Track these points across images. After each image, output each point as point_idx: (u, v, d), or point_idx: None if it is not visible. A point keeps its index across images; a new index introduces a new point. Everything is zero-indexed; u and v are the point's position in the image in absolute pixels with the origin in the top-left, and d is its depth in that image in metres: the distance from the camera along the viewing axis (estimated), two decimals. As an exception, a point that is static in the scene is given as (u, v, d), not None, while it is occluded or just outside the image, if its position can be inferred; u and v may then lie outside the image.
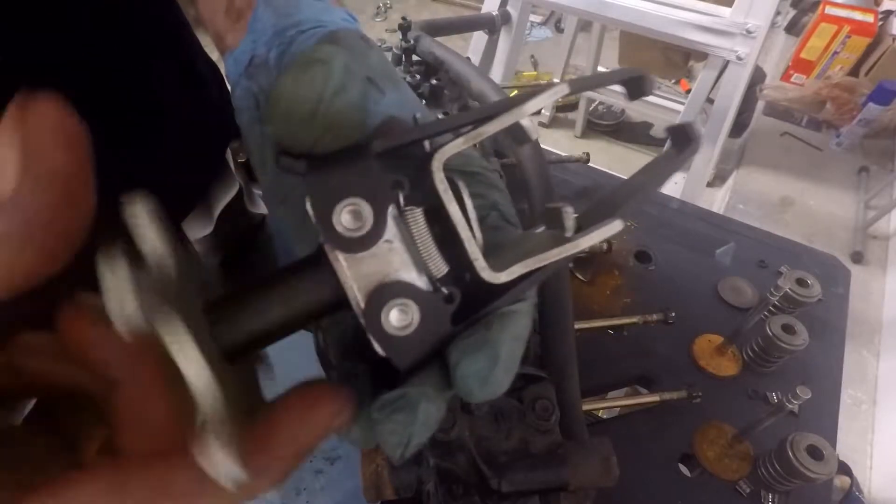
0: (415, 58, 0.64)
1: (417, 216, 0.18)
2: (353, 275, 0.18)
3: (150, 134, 0.48)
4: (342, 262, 0.17)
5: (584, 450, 0.38)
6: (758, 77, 2.12)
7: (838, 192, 2.01)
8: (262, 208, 0.69)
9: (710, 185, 2.06)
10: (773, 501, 0.53)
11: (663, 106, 2.19)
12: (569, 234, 0.18)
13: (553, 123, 2.74)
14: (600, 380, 0.62)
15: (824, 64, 2.21)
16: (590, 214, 0.20)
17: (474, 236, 0.18)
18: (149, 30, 0.46)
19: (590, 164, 0.80)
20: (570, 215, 0.19)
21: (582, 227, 0.19)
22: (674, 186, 2.00)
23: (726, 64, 1.23)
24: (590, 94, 2.39)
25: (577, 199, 0.81)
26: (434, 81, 0.63)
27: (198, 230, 0.61)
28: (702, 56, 1.55)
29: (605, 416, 0.62)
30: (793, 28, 2.62)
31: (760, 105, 2.24)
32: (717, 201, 2.07)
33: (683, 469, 0.56)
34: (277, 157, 0.19)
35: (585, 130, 2.68)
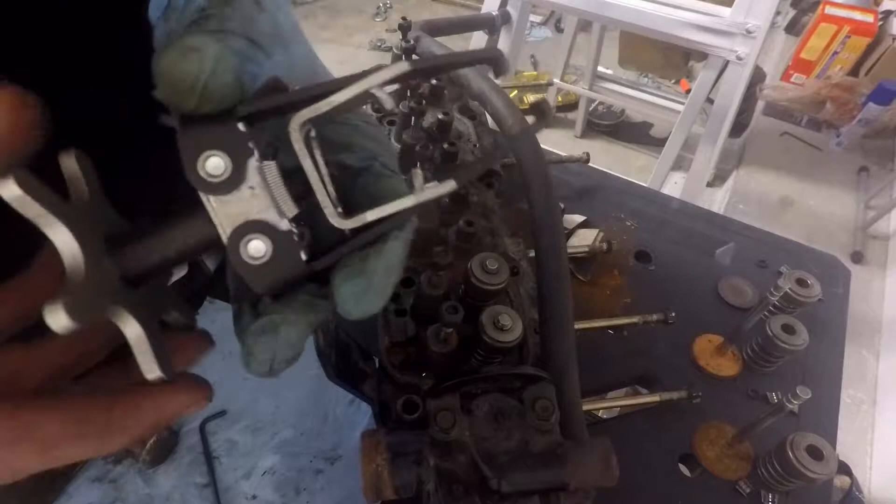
0: (415, 58, 0.64)
1: (272, 167, 0.22)
2: (220, 214, 0.21)
3: (156, 129, 0.49)
4: (211, 204, 0.21)
5: (584, 450, 0.38)
6: (758, 77, 2.12)
7: (838, 192, 2.01)
8: None
9: (710, 185, 2.06)
10: (773, 501, 0.53)
11: (663, 106, 2.19)
12: (416, 191, 0.22)
13: (553, 123, 2.74)
14: (600, 380, 0.62)
15: (824, 64, 2.21)
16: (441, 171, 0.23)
17: (325, 188, 0.22)
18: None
19: (590, 164, 0.80)
20: (419, 175, 0.23)
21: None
22: (674, 186, 2.00)
23: (726, 64, 1.23)
24: (590, 93, 2.39)
25: (577, 199, 0.81)
26: (434, 81, 0.63)
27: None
28: (702, 56, 1.55)
29: (605, 416, 0.62)
30: (793, 28, 2.62)
31: (760, 105, 2.24)
32: (717, 201, 2.07)
33: (683, 469, 0.56)
34: (159, 114, 0.23)
35: (585, 130, 2.68)
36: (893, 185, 1.98)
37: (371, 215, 0.22)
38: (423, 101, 0.61)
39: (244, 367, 0.24)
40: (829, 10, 2.14)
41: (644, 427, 0.58)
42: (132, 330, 0.21)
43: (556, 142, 2.61)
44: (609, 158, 2.55)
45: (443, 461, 0.37)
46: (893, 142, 2.13)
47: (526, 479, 0.36)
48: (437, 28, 0.82)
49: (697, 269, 0.73)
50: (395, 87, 0.22)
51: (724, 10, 1.18)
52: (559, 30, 3.25)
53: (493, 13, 1.31)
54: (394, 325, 0.44)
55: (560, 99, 2.70)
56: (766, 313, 0.61)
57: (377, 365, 0.47)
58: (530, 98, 2.74)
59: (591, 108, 2.65)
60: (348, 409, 0.58)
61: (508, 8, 1.35)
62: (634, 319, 0.63)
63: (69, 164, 0.22)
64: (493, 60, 0.25)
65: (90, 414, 0.22)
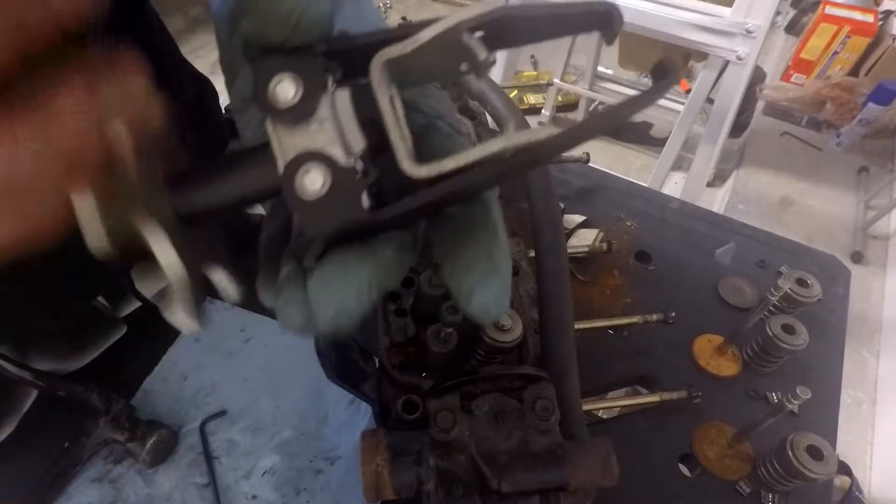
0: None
1: (344, 96, 0.20)
2: (283, 144, 0.19)
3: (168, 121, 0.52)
4: (277, 133, 0.19)
5: (584, 450, 0.38)
6: (758, 77, 2.12)
7: (838, 192, 2.01)
8: (258, 210, 0.70)
9: (710, 185, 2.06)
10: (773, 501, 0.53)
11: (663, 106, 2.19)
12: (506, 134, 0.19)
13: (553, 123, 2.74)
14: (600, 380, 0.62)
15: (824, 64, 2.21)
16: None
17: (400, 130, 0.19)
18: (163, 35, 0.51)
19: (590, 164, 0.80)
20: (511, 125, 0.19)
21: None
22: (674, 186, 2.00)
23: (726, 64, 1.23)
24: (590, 93, 2.39)
25: (577, 199, 0.81)
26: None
27: None
28: (702, 56, 1.55)
29: (605, 416, 0.62)
30: (793, 28, 2.62)
31: (760, 105, 2.24)
32: (717, 201, 2.07)
33: (683, 469, 0.56)
34: (244, 49, 0.21)
35: (585, 130, 2.68)
36: (893, 185, 1.98)
37: (450, 163, 0.19)
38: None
39: (288, 328, 0.20)
40: (829, 10, 2.14)
41: (644, 427, 0.58)
42: (177, 274, 0.19)
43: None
44: (609, 158, 2.55)
45: (443, 461, 0.37)
46: (893, 142, 2.13)
47: (526, 479, 0.36)
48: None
49: (697, 269, 0.73)
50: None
51: (724, 10, 1.18)
52: (559, 30, 3.25)
53: (493, 13, 1.31)
54: (394, 325, 0.44)
55: (560, 99, 2.70)
56: (766, 313, 0.61)
57: (377, 365, 0.47)
58: (530, 98, 2.74)
59: (591, 108, 2.65)
60: (348, 409, 0.58)
61: (508, 8, 1.35)
62: (634, 319, 0.63)
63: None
64: (604, 16, 0.20)
65: None
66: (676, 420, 0.58)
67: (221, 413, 0.58)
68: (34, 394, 0.55)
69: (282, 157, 0.19)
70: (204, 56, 2.59)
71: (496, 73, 1.41)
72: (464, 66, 0.20)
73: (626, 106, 0.18)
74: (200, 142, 0.58)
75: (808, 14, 2.51)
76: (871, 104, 1.98)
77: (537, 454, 0.38)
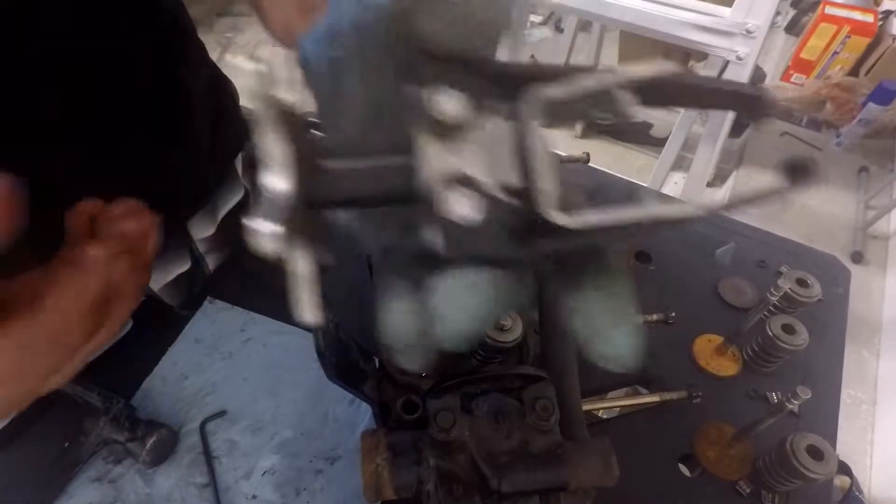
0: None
1: (506, 127, 0.20)
2: (436, 159, 0.19)
3: (181, 129, 0.53)
4: (429, 144, 0.19)
5: (584, 450, 0.38)
6: (758, 77, 2.12)
7: (838, 192, 2.01)
8: None
9: (710, 185, 2.06)
10: (773, 501, 0.53)
11: (663, 106, 2.19)
12: (659, 202, 0.19)
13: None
14: (600, 380, 0.62)
15: (824, 64, 2.21)
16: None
17: (548, 174, 0.19)
18: (182, 38, 0.53)
19: (590, 164, 0.80)
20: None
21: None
22: (674, 186, 2.00)
23: (726, 64, 1.23)
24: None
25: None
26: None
27: (201, 230, 0.62)
28: (702, 56, 1.55)
29: (605, 416, 0.62)
30: (793, 28, 2.62)
31: (760, 105, 2.24)
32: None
33: (683, 469, 0.56)
34: (418, 55, 0.21)
35: (585, 130, 2.68)
36: (893, 185, 1.98)
37: (596, 218, 0.19)
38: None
39: (393, 340, 0.21)
40: (829, 10, 2.14)
41: (644, 427, 0.58)
42: (306, 266, 0.19)
43: (556, 142, 2.60)
44: (609, 158, 2.55)
45: (443, 461, 0.37)
46: (893, 142, 2.13)
47: (526, 479, 0.36)
48: (437, 28, 0.82)
49: (697, 269, 0.73)
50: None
51: (724, 10, 1.18)
52: (559, 30, 3.25)
53: (493, 13, 1.31)
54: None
55: (560, 99, 2.70)
56: (766, 313, 0.61)
57: (377, 365, 0.47)
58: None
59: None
60: (348, 409, 0.58)
61: (508, 8, 1.34)
62: (634, 319, 0.62)
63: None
64: (751, 99, 0.20)
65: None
66: (676, 420, 0.58)
67: (221, 413, 0.58)
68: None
69: (435, 171, 0.19)
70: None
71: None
72: (604, 115, 0.21)
73: (765, 193, 0.18)
74: (217, 138, 0.57)
75: (808, 14, 2.51)
76: (871, 104, 1.98)
77: (537, 454, 0.38)
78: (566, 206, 0.19)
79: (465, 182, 0.19)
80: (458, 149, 0.19)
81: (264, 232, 0.18)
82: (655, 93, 0.20)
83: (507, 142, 0.20)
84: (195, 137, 0.55)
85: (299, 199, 0.18)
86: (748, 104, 0.21)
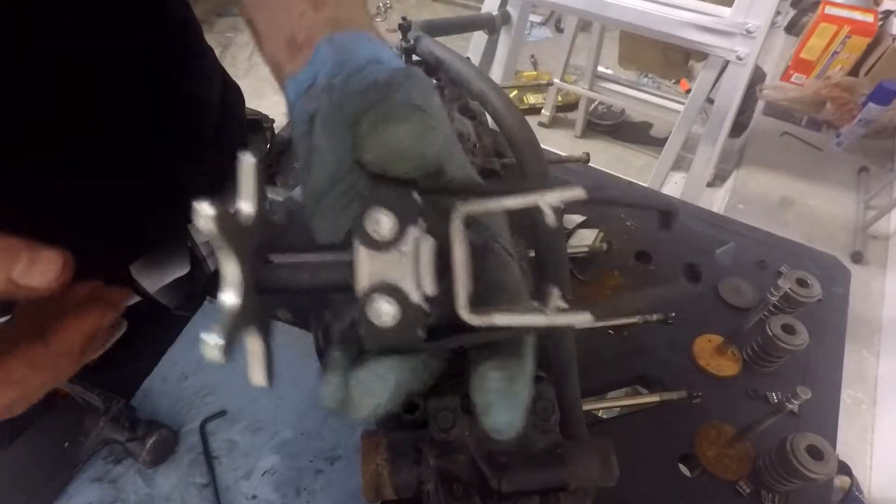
0: (415, 58, 0.64)
1: (430, 245, 0.23)
2: (366, 267, 0.22)
3: (183, 130, 0.54)
4: (362, 254, 0.22)
5: (584, 450, 0.38)
6: (758, 77, 2.12)
7: (838, 192, 2.01)
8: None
9: (710, 185, 2.06)
10: (773, 501, 0.53)
11: (663, 106, 2.19)
12: (548, 312, 0.22)
13: (553, 123, 2.74)
14: (600, 380, 0.62)
15: (824, 64, 2.21)
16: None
17: (465, 279, 0.23)
18: (187, 39, 0.55)
19: (590, 164, 0.80)
20: (556, 296, 0.22)
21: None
22: (674, 186, 2.00)
23: (726, 64, 1.23)
24: (590, 93, 2.39)
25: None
26: (434, 81, 0.63)
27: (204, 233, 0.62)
28: (702, 56, 1.55)
29: (605, 416, 0.62)
30: (793, 28, 2.62)
31: (760, 105, 2.24)
32: (717, 201, 2.07)
33: (683, 469, 0.56)
34: (361, 174, 0.24)
35: (585, 130, 2.68)
36: (893, 185, 1.98)
37: (500, 320, 0.22)
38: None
39: (322, 405, 0.23)
40: (829, 10, 2.14)
41: (644, 427, 0.58)
42: (255, 344, 0.22)
43: (556, 142, 2.61)
44: (609, 158, 2.55)
45: (443, 461, 0.37)
46: (893, 142, 2.13)
47: (526, 479, 0.36)
48: (436, 28, 0.82)
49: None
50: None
51: (724, 10, 1.18)
52: (559, 30, 3.25)
53: (493, 13, 1.31)
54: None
55: (560, 99, 2.70)
56: (766, 313, 0.61)
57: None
58: (530, 98, 2.74)
59: (591, 108, 2.65)
60: (348, 409, 0.58)
61: (508, 8, 1.34)
62: (634, 319, 0.63)
63: (248, 168, 0.24)
64: (668, 213, 0.25)
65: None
66: (676, 420, 0.58)
67: (221, 413, 0.58)
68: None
69: (362, 276, 0.22)
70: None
71: (496, 74, 1.40)
72: (530, 222, 0.24)
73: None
74: (221, 142, 0.58)
75: (808, 14, 2.51)
76: (871, 104, 1.98)
77: (537, 454, 0.38)
78: (476, 302, 0.22)
79: (390, 290, 0.22)
80: (386, 256, 0.22)
81: (210, 343, 0.21)
82: (580, 204, 0.23)
83: (431, 252, 0.23)
84: (199, 138, 0.55)
85: (249, 288, 0.22)
86: (663, 216, 0.25)
